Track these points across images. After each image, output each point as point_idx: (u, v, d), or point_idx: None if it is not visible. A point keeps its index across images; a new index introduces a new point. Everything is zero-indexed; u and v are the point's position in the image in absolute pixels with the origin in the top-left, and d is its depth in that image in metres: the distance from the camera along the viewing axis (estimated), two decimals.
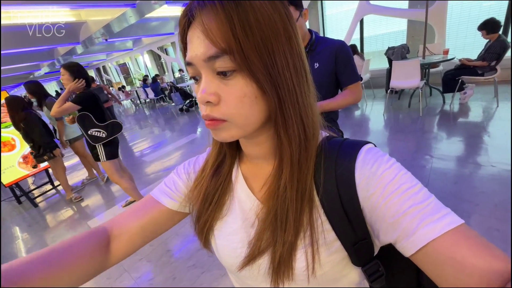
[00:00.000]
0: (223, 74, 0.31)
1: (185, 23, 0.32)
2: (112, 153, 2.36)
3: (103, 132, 2.25)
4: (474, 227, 1.67)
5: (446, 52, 4.01)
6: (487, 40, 3.49)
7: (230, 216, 0.43)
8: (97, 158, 2.34)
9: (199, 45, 0.30)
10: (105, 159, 2.31)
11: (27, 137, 2.96)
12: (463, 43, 4.79)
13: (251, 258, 0.38)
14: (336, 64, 1.20)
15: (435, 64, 4.26)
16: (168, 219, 0.47)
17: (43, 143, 2.98)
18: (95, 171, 3.82)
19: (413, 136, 3.13)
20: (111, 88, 12.53)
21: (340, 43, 1.20)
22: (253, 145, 0.40)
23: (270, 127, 0.36)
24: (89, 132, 2.20)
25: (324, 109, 1.17)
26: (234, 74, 0.30)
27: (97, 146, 2.27)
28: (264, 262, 0.38)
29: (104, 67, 16.92)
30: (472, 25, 4.45)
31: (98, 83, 7.33)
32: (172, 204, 0.46)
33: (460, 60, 3.73)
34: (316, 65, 1.21)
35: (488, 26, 3.35)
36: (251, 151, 0.42)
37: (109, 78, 16.89)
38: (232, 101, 0.31)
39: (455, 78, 3.68)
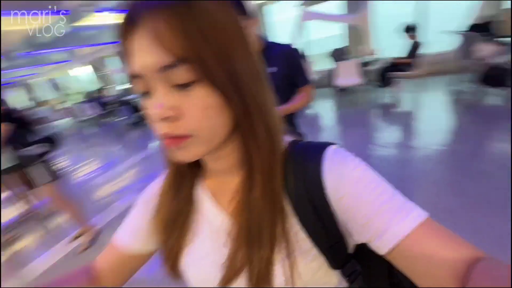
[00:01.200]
0: (182, 86, 0.28)
1: (128, 29, 0.28)
2: (55, 172, 2.12)
3: (42, 145, 2.03)
4: (419, 204, 1.89)
5: (374, 52, 4.56)
6: (412, 40, 4.05)
7: (198, 238, 0.40)
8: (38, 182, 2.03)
9: (148, 53, 0.26)
10: (50, 179, 2.05)
11: None
12: (393, 43, 5.46)
13: (227, 281, 0.35)
14: (289, 68, 1.24)
15: (371, 63, 4.82)
16: (135, 259, 0.45)
17: None
18: (35, 201, 3.24)
19: (358, 129, 3.46)
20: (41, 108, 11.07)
21: (289, 47, 1.25)
22: (217, 159, 0.37)
23: (234, 138, 0.34)
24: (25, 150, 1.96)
25: (285, 114, 1.20)
26: (194, 84, 0.28)
27: (38, 165, 2.00)
28: (241, 283, 0.35)
29: (33, 83, 14.81)
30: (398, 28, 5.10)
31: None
32: (134, 243, 0.44)
33: (392, 58, 4.31)
34: (270, 69, 1.23)
35: (409, 29, 3.97)
36: (214, 166, 0.39)
37: (40, 95, 14.82)
38: (196, 114, 0.28)
39: (389, 74, 4.20)
